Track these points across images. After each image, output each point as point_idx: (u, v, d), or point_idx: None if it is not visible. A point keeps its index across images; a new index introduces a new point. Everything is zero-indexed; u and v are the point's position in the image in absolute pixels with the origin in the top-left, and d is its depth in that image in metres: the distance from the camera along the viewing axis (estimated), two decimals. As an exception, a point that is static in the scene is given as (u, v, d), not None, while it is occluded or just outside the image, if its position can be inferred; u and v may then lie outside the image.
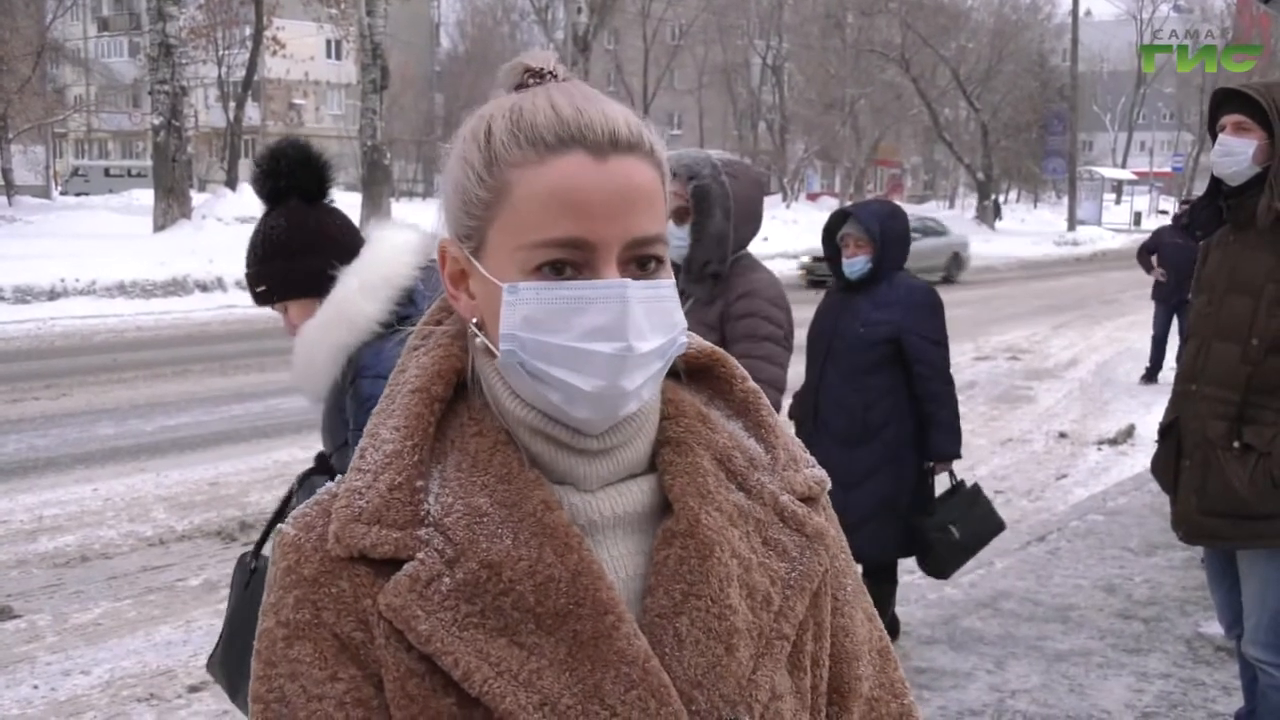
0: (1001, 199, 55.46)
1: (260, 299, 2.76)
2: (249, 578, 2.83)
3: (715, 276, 3.72)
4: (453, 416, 1.12)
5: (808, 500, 1.19)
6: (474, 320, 1.12)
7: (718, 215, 3.66)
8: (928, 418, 4.68)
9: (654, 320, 1.05)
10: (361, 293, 2.65)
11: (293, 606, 1.05)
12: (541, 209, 1.03)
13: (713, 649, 1.06)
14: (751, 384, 1.24)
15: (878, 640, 1.27)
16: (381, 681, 1.03)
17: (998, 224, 44.94)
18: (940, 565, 4.85)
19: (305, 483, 2.83)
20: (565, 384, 1.04)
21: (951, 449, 4.77)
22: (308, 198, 2.76)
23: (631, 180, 1.05)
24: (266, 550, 2.91)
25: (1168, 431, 3.86)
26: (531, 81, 1.10)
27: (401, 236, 2.79)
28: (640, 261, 1.06)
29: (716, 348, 1.25)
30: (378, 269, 2.69)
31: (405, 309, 2.65)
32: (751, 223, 3.81)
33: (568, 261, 1.03)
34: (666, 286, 1.07)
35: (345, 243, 2.75)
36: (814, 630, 1.17)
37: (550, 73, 1.11)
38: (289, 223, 2.72)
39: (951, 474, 4.94)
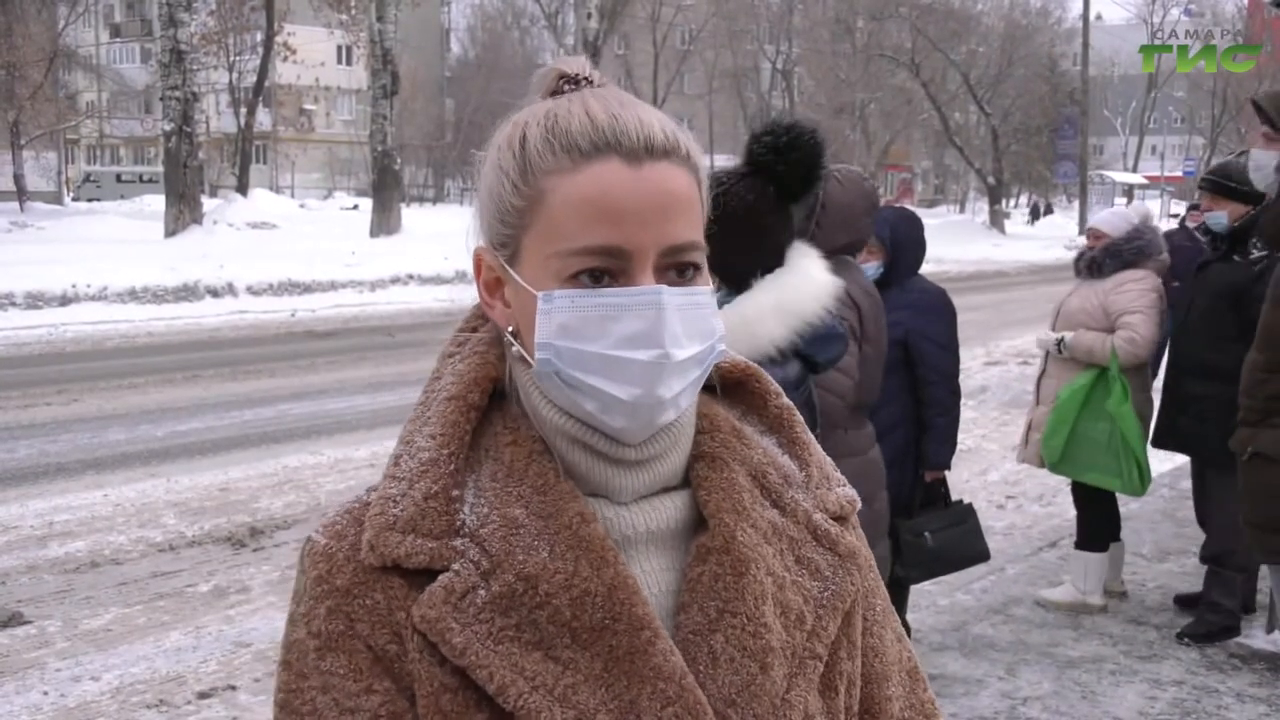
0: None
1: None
2: None
3: None
4: (487, 425, 1.11)
5: (839, 519, 1.18)
6: (510, 328, 1.10)
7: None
8: (926, 423, 4.63)
9: (691, 327, 1.04)
10: (776, 313, 2.58)
11: (325, 617, 1.04)
12: (576, 216, 1.02)
13: (747, 667, 1.05)
14: (785, 400, 1.23)
15: (907, 661, 1.26)
16: (415, 696, 1.02)
17: (1008, 228, 44.85)
18: (906, 568, 4.67)
19: None
20: (602, 392, 1.03)
21: (943, 459, 4.69)
22: (787, 198, 2.65)
23: (667, 186, 1.04)
24: None
25: None
26: (566, 87, 1.09)
27: (824, 275, 2.70)
28: (679, 269, 1.05)
29: (750, 363, 1.23)
30: (798, 297, 2.61)
31: (799, 344, 2.60)
32: (842, 232, 3.74)
33: (603, 269, 1.02)
34: (704, 293, 1.06)
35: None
36: (847, 649, 1.15)
37: (585, 78, 1.10)
38: (773, 218, 2.60)
39: (945, 486, 4.84)
